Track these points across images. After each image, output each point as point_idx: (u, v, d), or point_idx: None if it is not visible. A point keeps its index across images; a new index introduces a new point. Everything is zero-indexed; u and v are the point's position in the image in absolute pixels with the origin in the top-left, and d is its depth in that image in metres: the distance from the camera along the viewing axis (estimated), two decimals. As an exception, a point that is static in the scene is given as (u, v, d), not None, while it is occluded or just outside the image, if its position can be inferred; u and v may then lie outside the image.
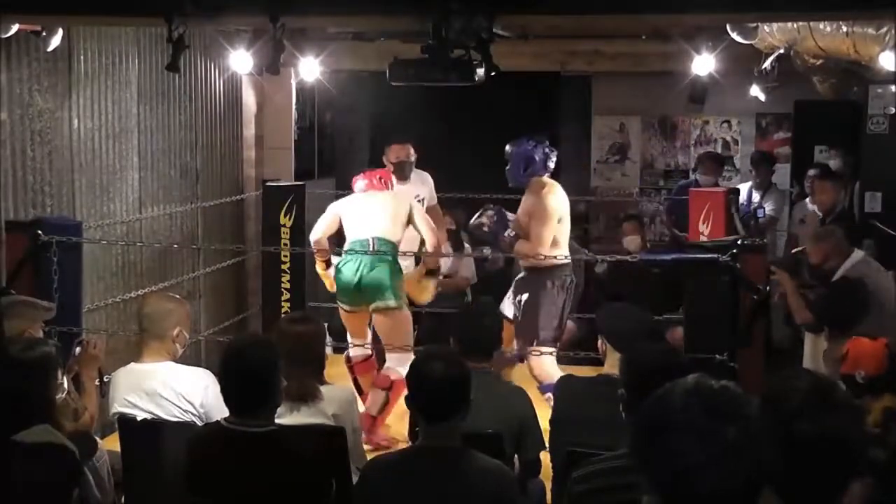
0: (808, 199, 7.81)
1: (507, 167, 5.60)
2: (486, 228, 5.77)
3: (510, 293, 5.71)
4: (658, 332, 4.05)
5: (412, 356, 4.77)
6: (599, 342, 3.96)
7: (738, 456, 1.56)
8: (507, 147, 5.63)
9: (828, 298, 5.31)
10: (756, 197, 8.30)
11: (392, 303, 5.42)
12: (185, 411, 3.84)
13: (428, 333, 7.54)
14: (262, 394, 3.11)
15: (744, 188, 8.23)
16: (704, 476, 1.55)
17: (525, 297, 5.52)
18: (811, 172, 7.92)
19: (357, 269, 5.41)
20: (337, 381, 4.07)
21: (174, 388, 3.86)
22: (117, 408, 3.91)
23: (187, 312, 4.16)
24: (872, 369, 4.00)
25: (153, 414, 3.83)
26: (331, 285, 5.75)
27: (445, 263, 7.95)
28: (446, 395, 2.95)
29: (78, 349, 4.08)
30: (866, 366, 4.01)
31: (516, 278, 5.76)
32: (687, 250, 5.29)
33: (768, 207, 8.16)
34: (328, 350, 4.95)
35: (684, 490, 1.57)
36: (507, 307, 5.62)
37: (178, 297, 4.39)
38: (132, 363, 4.06)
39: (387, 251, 5.45)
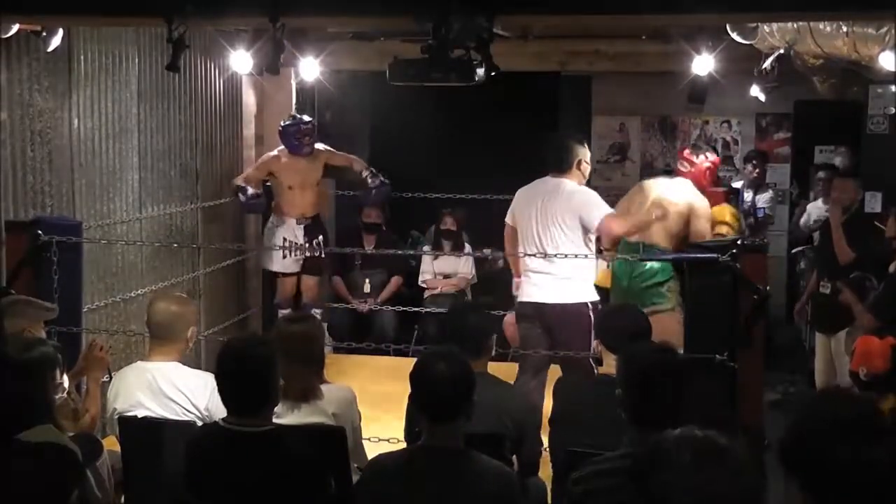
0: (819, 201, 7.79)
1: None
2: None
3: None
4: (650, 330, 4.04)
5: None
6: (595, 343, 3.95)
7: (723, 501, 1.75)
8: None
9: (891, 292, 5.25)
10: (748, 195, 8.31)
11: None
12: (188, 412, 3.85)
13: (427, 334, 7.56)
14: (260, 393, 3.11)
15: (736, 186, 8.26)
16: None
17: None
18: (820, 174, 7.92)
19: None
20: (337, 381, 4.07)
21: (181, 389, 3.87)
22: (121, 404, 3.90)
23: (194, 311, 4.17)
24: (876, 367, 4.03)
25: (157, 412, 3.84)
26: None
27: (447, 263, 7.97)
28: (450, 396, 2.96)
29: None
30: (871, 364, 4.04)
31: None
32: (687, 250, 5.27)
33: (762, 203, 8.18)
34: (328, 350, 4.95)
35: None
36: None
37: (183, 296, 4.36)
38: (139, 361, 4.06)
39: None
